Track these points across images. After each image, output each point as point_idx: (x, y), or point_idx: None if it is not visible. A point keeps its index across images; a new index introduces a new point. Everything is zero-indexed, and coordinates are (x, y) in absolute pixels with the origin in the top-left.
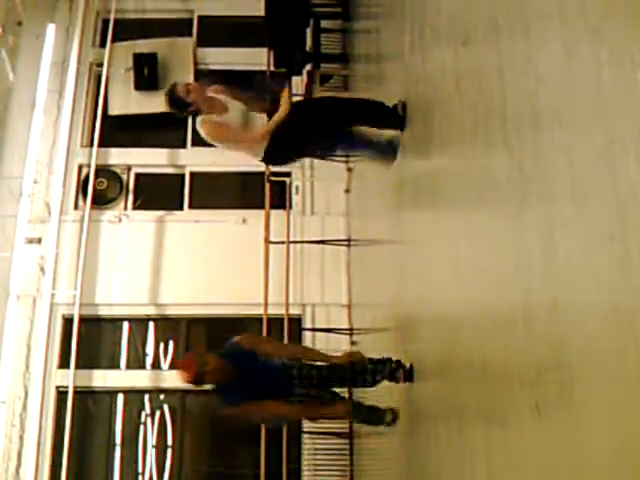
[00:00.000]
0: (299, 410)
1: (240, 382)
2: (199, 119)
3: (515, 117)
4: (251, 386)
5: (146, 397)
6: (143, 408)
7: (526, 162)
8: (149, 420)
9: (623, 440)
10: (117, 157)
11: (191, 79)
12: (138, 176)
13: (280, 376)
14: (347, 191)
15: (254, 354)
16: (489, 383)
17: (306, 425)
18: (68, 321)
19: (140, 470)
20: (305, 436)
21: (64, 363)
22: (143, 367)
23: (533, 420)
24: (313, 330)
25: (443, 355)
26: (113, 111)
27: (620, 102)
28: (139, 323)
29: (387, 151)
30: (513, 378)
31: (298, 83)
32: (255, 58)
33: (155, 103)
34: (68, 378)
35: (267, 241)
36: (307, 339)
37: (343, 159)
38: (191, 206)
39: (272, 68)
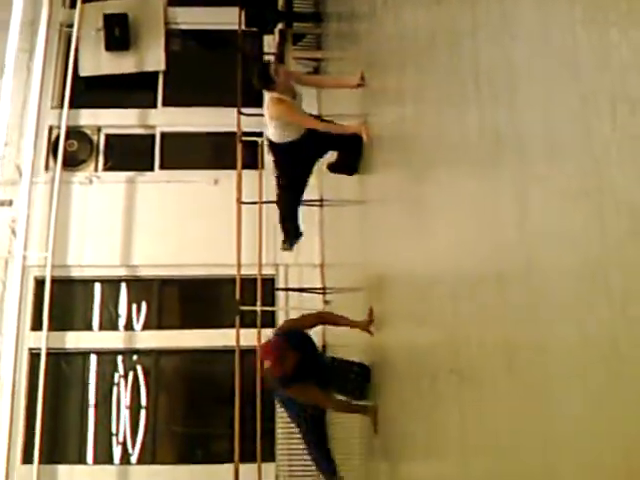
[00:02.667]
0: (335, 403)
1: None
2: (273, 96)
3: (488, 74)
4: (306, 370)
5: (119, 358)
6: (116, 369)
7: (499, 120)
8: (122, 381)
9: (593, 399)
10: (87, 118)
11: (162, 40)
12: (109, 137)
13: (328, 370)
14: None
15: (311, 341)
16: (462, 343)
17: None
18: (40, 283)
19: (114, 431)
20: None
21: (36, 325)
22: (116, 328)
23: (506, 378)
24: (286, 290)
25: (414, 316)
26: (84, 72)
27: (594, 61)
28: (111, 284)
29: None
30: (486, 338)
31: (270, 42)
32: (227, 17)
33: (126, 63)
34: (41, 340)
35: (239, 201)
36: (280, 299)
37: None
38: (162, 167)
39: (244, 27)
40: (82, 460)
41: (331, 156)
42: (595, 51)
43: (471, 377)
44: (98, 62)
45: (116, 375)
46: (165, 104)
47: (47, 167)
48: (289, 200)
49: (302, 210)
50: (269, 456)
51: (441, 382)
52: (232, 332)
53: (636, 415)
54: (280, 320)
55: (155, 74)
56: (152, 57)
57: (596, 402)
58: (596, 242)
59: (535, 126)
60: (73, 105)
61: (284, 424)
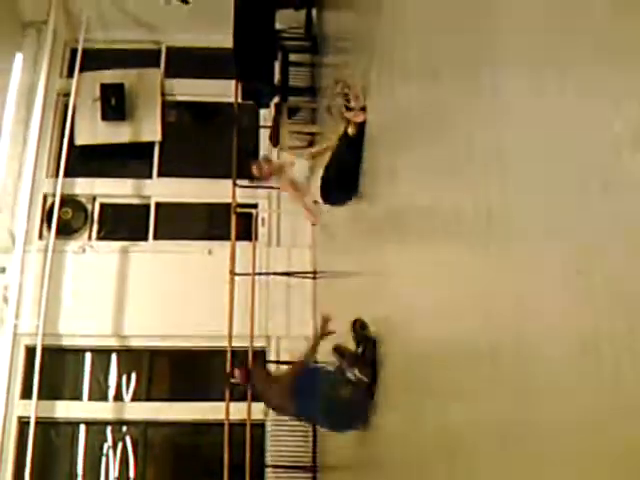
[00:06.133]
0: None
1: None
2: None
3: (481, 153)
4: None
5: (108, 429)
6: (105, 440)
7: (491, 198)
8: (111, 452)
9: (586, 473)
10: (82, 187)
11: (158, 110)
12: (103, 206)
13: None
14: (314, 224)
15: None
16: (456, 421)
17: (269, 458)
18: (31, 351)
19: None
20: (268, 470)
21: (26, 393)
22: (105, 399)
23: (499, 453)
24: (277, 363)
25: (410, 391)
26: (79, 141)
27: (584, 136)
28: (102, 354)
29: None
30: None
31: (266, 115)
32: (223, 90)
33: (122, 133)
34: (30, 408)
35: (232, 273)
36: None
37: None
38: (156, 237)
39: (240, 100)
40: None
41: None
42: (586, 128)
43: (464, 452)
44: (94, 131)
45: (105, 445)
46: (160, 174)
47: (41, 235)
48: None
49: (294, 282)
50: None
51: (433, 461)
52: (222, 405)
53: None
54: None
55: (151, 144)
56: (148, 127)
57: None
58: (587, 319)
59: (527, 204)
60: (68, 174)
61: None
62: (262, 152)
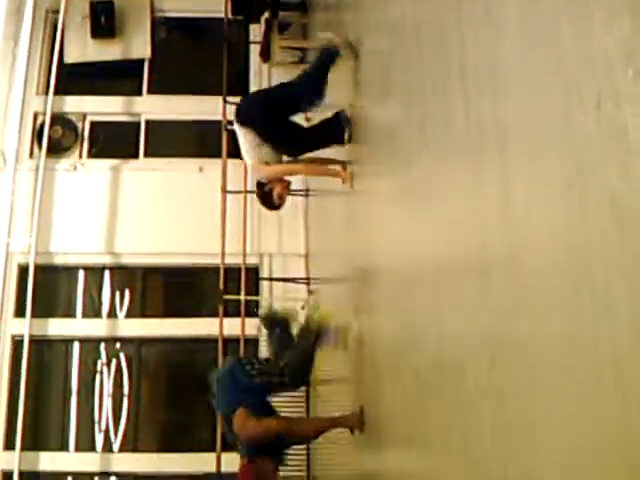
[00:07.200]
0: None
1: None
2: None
3: (474, 68)
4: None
5: (102, 346)
6: (99, 357)
7: (484, 113)
8: (105, 369)
9: (576, 394)
10: (73, 105)
11: (148, 27)
12: (93, 124)
13: None
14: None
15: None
16: (446, 333)
17: None
18: (23, 269)
19: (96, 419)
20: None
21: (20, 312)
22: (99, 316)
23: (488, 372)
24: (270, 280)
25: (399, 308)
26: (69, 59)
27: (577, 52)
28: (95, 272)
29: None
30: (469, 330)
31: (256, 31)
32: (213, 5)
33: (112, 51)
34: (24, 327)
35: (224, 190)
36: (264, 288)
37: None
38: (147, 154)
39: (230, 16)
40: (64, 447)
41: None
42: (579, 45)
43: (454, 371)
44: (84, 49)
45: (99, 363)
46: (150, 92)
47: (31, 154)
48: (295, 136)
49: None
50: None
51: (422, 378)
52: (215, 321)
53: (617, 409)
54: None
55: (141, 62)
56: (138, 45)
57: (579, 397)
58: (579, 235)
59: (519, 119)
60: (58, 92)
61: None
62: (252, 69)
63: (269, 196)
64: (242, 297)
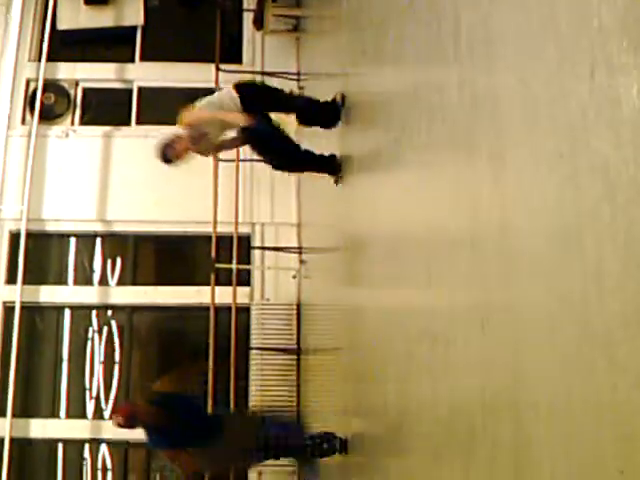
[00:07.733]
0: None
1: (171, 428)
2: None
3: (467, 36)
4: (180, 433)
5: (93, 313)
6: (90, 324)
7: (477, 82)
8: (96, 336)
9: (563, 359)
10: (65, 72)
11: None
12: (86, 91)
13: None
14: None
15: (184, 398)
16: (436, 299)
17: (254, 341)
18: (15, 236)
19: (87, 386)
20: (253, 352)
21: (11, 278)
22: (90, 283)
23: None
24: (262, 249)
25: (390, 272)
26: (62, 25)
27: (572, 21)
28: (87, 239)
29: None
30: (459, 296)
31: None
32: None
33: (104, 17)
34: (15, 293)
35: (216, 159)
36: (256, 257)
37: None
38: (139, 122)
39: None
40: (55, 414)
41: None
42: (574, 14)
43: (444, 338)
44: (76, 15)
45: (90, 330)
46: (143, 59)
47: (24, 120)
48: (289, 160)
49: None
50: None
51: (412, 342)
52: (207, 289)
53: (605, 375)
54: (255, 278)
55: (133, 29)
56: (131, 11)
57: (566, 362)
58: (570, 203)
59: (512, 87)
60: (50, 58)
61: (258, 381)
62: (246, 37)
63: (170, 147)
64: (234, 266)
